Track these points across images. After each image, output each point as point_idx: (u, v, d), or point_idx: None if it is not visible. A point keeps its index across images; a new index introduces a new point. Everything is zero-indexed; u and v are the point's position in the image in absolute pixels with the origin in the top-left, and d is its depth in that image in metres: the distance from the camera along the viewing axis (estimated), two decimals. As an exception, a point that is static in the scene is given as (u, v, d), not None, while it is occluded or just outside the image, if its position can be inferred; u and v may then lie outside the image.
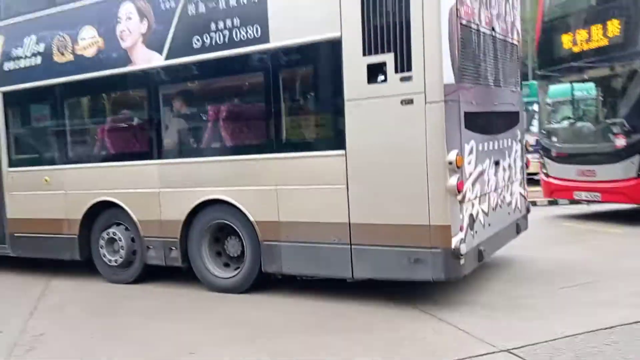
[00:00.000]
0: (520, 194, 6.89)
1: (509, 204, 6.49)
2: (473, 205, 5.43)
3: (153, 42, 6.47)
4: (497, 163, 6.09)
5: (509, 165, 6.49)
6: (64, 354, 4.95)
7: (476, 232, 5.46)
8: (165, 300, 6.37)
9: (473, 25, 5.47)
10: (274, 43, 5.74)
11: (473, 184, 5.44)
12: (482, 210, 5.67)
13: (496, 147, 6.08)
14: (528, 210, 7.11)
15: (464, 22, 5.24)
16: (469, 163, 5.35)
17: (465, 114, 5.23)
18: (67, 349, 5.04)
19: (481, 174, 5.64)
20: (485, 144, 5.77)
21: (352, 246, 5.45)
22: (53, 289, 7.19)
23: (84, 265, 7.49)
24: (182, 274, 6.74)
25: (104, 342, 5.12)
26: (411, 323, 5.03)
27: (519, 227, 6.73)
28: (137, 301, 6.40)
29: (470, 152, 5.38)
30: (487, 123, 5.86)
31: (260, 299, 6.06)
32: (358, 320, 5.21)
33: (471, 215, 5.36)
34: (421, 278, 5.23)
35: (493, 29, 5.99)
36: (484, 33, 5.75)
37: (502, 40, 6.29)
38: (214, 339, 4.96)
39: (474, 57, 5.52)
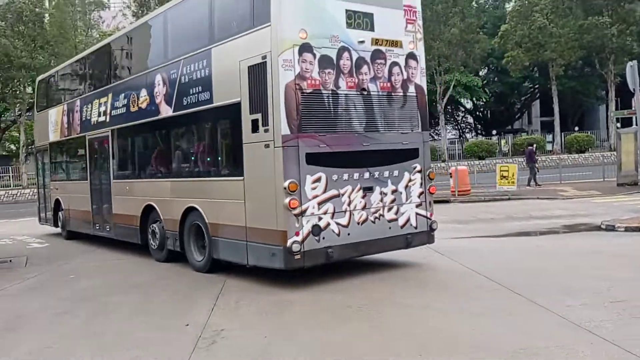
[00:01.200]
0: (418, 214, 8.59)
1: (392, 220, 8.29)
2: (320, 218, 7.57)
3: (168, 100, 9.74)
4: (369, 189, 8.04)
5: (394, 191, 8.31)
6: (241, 351, 5.44)
7: (324, 238, 7.58)
8: (325, 305, 6.92)
9: (324, 92, 7.64)
10: (215, 103, 8.57)
11: (320, 204, 7.57)
12: (338, 223, 7.73)
13: (366, 176, 8.03)
14: (432, 228, 8.72)
15: (307, 91, 7.47)
16: (314, 189, 7.51)
17: (308, 154, 7.44)
18: (243, 346, 5.55)
19: (336, 196, 7.71)
20: (346, 174, 7.81)
21: (247, 242, 8.00)
22: (229, 288, 8.04)
23: (251, 270, 8.27)
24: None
25: (276, 342, 5.64)
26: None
27: (409, 240, 8.46)
28: (301, 305, 6.98)
29: (317, 180, 7.53)
30: (350, 159, 7.88)
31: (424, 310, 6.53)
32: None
33: (316, 225, 7.52)
34: (276, 267, 7.58)
35: (364, 90, 8.00)
36: (346, 95, 7.83)
37: (384, 96, 8.22)
38: (374, 346, 5.37)
39: (323, 114, 7.66)
